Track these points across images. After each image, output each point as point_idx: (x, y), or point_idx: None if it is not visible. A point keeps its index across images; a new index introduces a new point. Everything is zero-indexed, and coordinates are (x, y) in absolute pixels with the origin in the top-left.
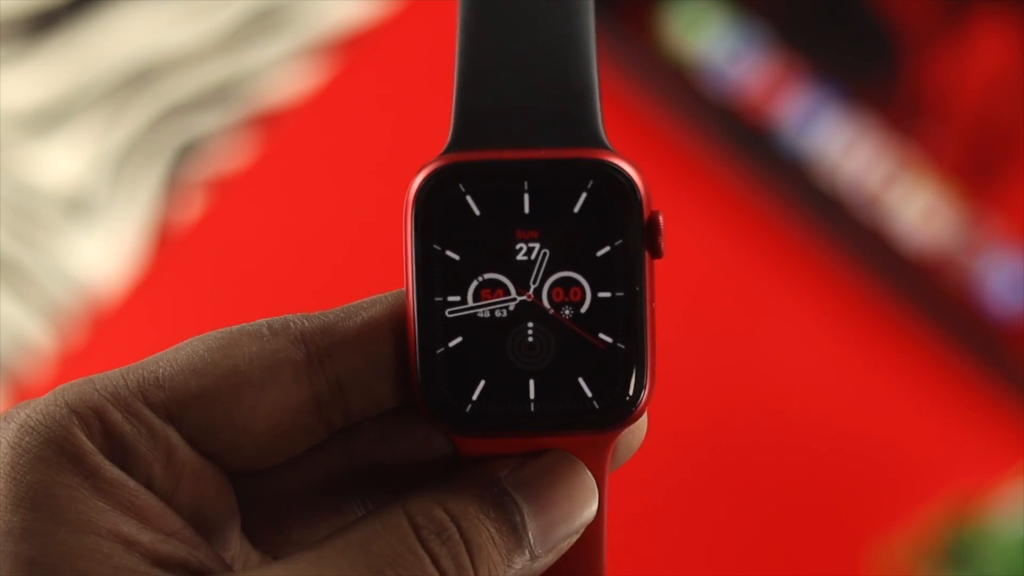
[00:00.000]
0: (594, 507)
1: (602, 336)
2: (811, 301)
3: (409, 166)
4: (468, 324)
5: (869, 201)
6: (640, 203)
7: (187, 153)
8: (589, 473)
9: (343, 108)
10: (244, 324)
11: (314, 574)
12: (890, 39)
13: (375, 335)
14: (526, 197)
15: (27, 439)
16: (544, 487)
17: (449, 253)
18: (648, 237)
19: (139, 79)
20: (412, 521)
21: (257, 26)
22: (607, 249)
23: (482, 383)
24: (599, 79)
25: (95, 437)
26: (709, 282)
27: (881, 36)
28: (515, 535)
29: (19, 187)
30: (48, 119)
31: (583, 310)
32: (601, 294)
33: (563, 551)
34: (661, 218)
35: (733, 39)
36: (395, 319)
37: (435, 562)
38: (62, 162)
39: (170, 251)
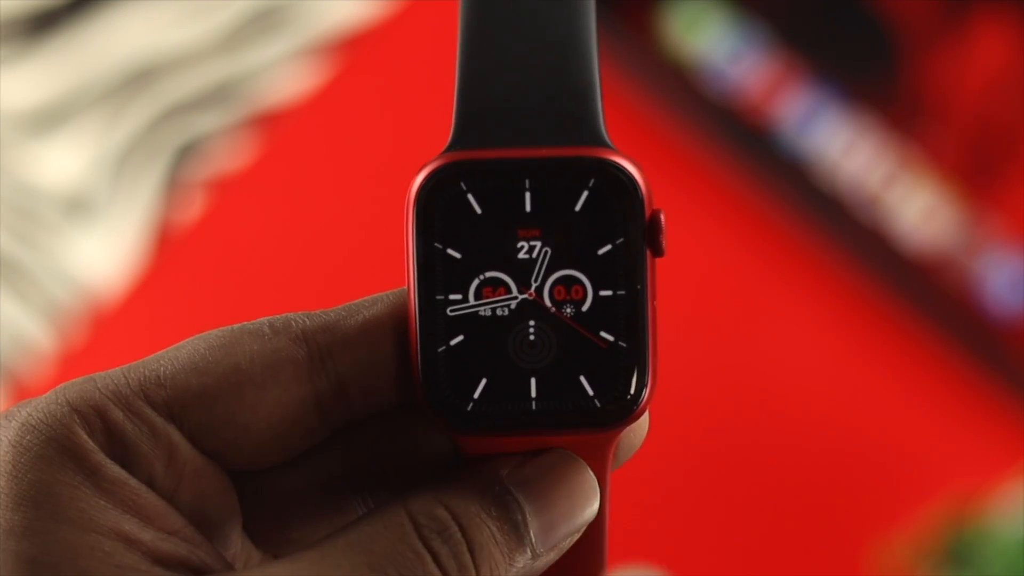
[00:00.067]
0: (595, 506)
1: (603, 334)
2: (811, 301)
3: (410, 165)
4: (469, 322)
5: (869, 201)
6: (641, 201)
7: (187, 153)
8: (590, 472)
9: (343, 108)
10: (245, 323)
11: (315, 573)
12: (890, 39)
13: (376, 333)
14: (527, 195)
15: (28, 437)
16: (546, 486)
17: (450, 251)
18: (649, 235)
19: (139, 79)
20: (413, 520)
21: (257, 26)
22: (608, 247)
23: (483, 381)
24: (600, 78)
25: (96, 435)
26: (710, 281)
27: (881, 36)
28: (517, 534)
29: (19, 187)
30: (48, 119)
31: (584, 308)
32: (602, 292)
33: (564, 549)
34: (662, 216)
35: (733, 39)
36: (396, 318)
37: (437, 561)
38: (62, 162)
39: (170, 251)
